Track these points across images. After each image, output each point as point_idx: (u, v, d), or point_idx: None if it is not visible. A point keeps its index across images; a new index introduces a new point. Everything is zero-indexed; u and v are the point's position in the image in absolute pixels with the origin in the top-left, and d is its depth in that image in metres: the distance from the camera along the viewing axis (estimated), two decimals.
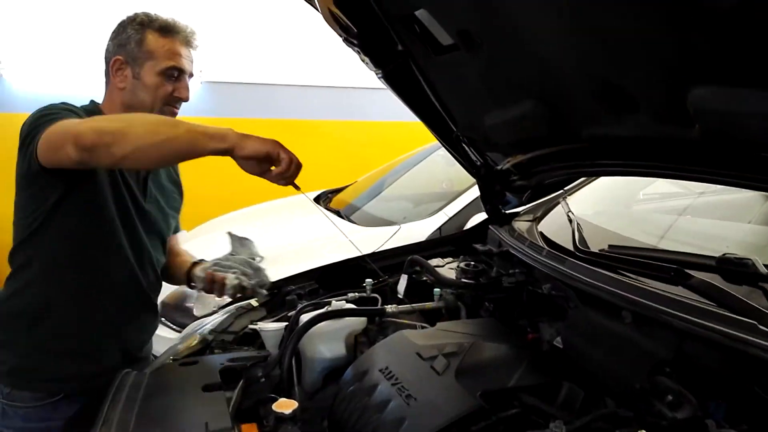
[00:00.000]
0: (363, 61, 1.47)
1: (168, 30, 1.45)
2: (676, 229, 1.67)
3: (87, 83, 4.10)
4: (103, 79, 1.49)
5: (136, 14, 1.48)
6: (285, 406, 1.02)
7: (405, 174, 3.86)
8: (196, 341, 1.41)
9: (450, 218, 2.84)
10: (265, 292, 1.48)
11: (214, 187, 4.47)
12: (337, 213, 3.37)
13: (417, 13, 1.24)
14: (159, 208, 1.55)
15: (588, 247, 1.36)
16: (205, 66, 4.52)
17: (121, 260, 1.43)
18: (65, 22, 4.14)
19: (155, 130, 1.19)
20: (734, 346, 0.84)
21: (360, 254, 1.65)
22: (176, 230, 1.70)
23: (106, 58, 1.47)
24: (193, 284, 1.56)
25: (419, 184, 3.75)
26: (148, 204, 1.51)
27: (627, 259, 1.21)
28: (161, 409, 1.03)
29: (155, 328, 1.65)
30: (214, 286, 1.47)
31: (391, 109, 4.94)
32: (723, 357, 0.89)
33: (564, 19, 0.93)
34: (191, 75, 1.51)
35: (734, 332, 0.85)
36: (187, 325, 2.59)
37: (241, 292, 1.45)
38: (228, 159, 1.24)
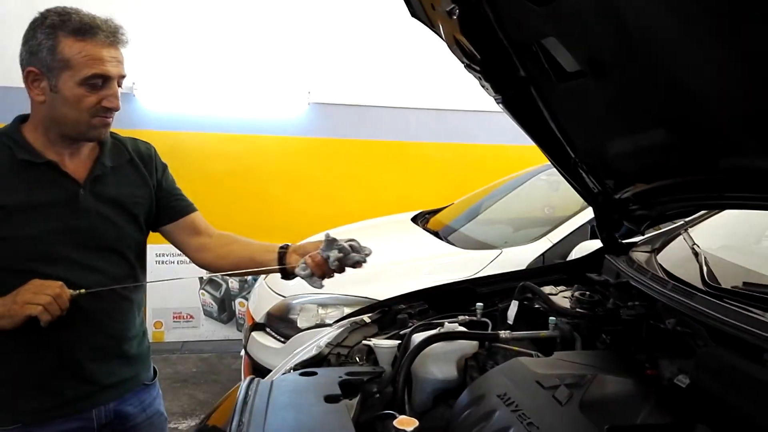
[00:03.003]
0: (483, 86, 1.48)
1: (84, 31, 1.24)
2: None
3: (212, 101, 4.47)
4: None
5: (47, 12, 1.26)
6: (406, 423, 1.04)
7: (504, 197, 3.82)
8: (313, 352, 1.47)
9: (554, 245, 2.79)
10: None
11: (315, 205, 4.65)
12: (435, 234, 3.39)
13: (543, 40, 1.25)
14: (102, 220, 1.38)
15: (718, 283, 1.29)
16: (313, 88, 4.73)
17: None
18: (192, 44, 4.49)
19: None
20: None
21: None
22: (187, 211, 1.54)
23: (21, 66, 1.29)
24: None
25: (519, 208, 3.70)
26: (83, 221, 1.35)
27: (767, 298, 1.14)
28: (289, 416, 1.08)
29: (119, 348, 1.45)
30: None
31: (492, 132, 4.94)
32: None
33: (714, 44, 0.90)
34: (122, 77, 1.31)
35: None
36: (291, 336, 2.71)
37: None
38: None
